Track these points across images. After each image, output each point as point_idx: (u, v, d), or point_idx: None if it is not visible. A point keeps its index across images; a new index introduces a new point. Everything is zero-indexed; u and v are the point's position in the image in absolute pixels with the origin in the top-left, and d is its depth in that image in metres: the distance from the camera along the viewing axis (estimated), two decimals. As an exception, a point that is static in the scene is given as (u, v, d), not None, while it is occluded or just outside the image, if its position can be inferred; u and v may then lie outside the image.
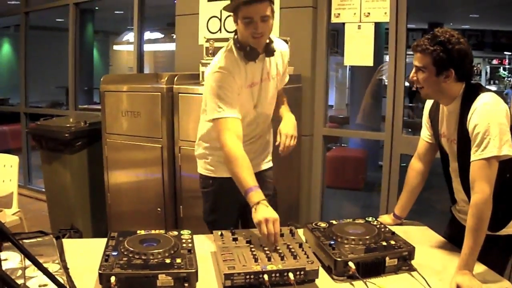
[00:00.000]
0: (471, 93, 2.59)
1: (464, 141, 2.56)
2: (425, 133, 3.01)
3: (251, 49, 2.90)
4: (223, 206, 3.13)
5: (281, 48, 3.16)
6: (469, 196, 2.57)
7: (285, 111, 3.23)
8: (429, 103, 2.97)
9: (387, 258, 2.38)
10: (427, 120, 2.98)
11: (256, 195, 2.59)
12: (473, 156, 2.46)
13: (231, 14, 2.88)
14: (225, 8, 2.86)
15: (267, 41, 2.95)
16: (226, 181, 2.91)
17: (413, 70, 2.66)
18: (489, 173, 2.43)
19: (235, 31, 2.97)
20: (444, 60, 2.51)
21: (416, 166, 3.11)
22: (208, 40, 4.51)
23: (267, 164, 3.35)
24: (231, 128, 2.81)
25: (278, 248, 2.36)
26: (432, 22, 15.40)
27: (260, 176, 3.08)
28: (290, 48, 4.63)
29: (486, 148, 2.42)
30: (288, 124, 3.08)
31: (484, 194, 2.41)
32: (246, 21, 2.78)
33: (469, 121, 2.50)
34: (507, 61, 18.77)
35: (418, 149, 3.10)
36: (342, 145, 10.58)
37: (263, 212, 2.50)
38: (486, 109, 2.46)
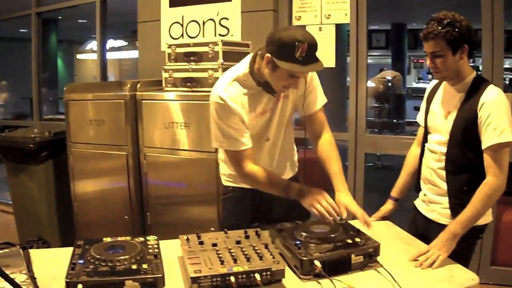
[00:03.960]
0: (483, 80, 2.80)
1: (464, 120, 2.73)
2: (423, 119, 3.11)
3: (270, 86, 2.79)
4: (239, 212, 3.15)
5: None
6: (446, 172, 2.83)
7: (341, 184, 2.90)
8: (429, 88, 3.11)
9: (352, 256, 2.39)
10: (425, 103, 3.09)
11: (293, 187, 2.75)
12: (490, 141, 2.62)
13: (265, 54, 2.64)
14: (277, 56, 2.57)
15: None
16: (242, 190, 3.08)
17: (428, 58, 2.79)
18: (504, 158, 2.64)
19: (253, 59, 2.82)
20: (457, 38, 2.66)
21: (415, 151, 3.21)
22: (170, 46, 4.51)
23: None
24: (240, 158, 2.85)
25: (244, 249, 2.37)
26: (395, 23, 15.55)
27: None
28: (252, 52, 4.66)
29: (502, 133, 2.61)
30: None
31: (498, 179, 2.62)
32: (290, 76, 2.64)
33: (482, 106, 2.66)
34: (471, 59, 18.99)
35: (417, 136, 3.23)
36: (309, 147, 10.62)
37: (311, 194, 2.67)
38: (501, 99, 2.68)
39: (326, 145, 3.05)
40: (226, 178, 3.21)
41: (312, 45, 2.54)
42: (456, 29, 2.64)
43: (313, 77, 2.98)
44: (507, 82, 13.78)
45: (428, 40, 2.70)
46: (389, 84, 11.77)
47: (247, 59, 2.87)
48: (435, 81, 3.05)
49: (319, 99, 3.05)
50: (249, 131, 2.84)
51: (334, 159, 2.99)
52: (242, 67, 2.86)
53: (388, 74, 12.00)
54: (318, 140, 3.09)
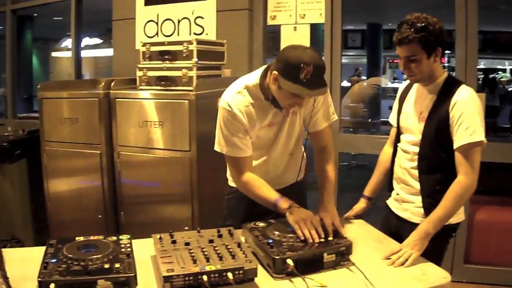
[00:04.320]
0: (454, 80, 2.83)
1: (436, 120, 2.75)
2: (395, 119, 3.13)
3: (276, 101, 2.79)
4: (239, 211, 3.18)
5: None
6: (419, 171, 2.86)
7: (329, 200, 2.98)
8: (401, 89, 3.13)
9: (325, 254, 2.41)
10: (397, 103, 3.10)
11: (284, 203, 2.74)
12: (462, 141, 2.64)
13: (273, 74, 2.65)
14: (282, 75, 2.58)
15: None
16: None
17: (402, 62, 2.78)
18: (475, 158, 2.66)
19: (265, 73, 2.81)
20: (432, 42, 2.67)
21: (387, 151, 3.23)
22: (144, 45, 4.49)
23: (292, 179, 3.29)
24: (239, 165, 2.90)
25: (217, 248, 2.37)
26: (371, 23, 15.59)
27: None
28: (227, 51, 4.67)
29: (474, 133, 2.62)
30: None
31: (469, 178, 2.64)
32: (295, 96, 2.62)
33: (454, 106, 2.68)
34: (446, 59, 19.18)
35: (390, 136, 3.25)
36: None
37: (298, 213, 2.64)
38: (473, 99, 2.69)
39: (325, 163, 3.08)
40: (232, 179, 3.22)
41: (319, 68, 2.53)
42: (431, 33, 2.65)
43: (321, 96, 2.95)
44: (481, 82, 13.89)
45: (402, 44, 2.70)
46: (380, 91, 11.87)
47: (260, 71, 2.87)
48: (407, 82, 3.07)
49: (327, 117, 3.05)
50: (251, 139, 2.89)
51: (329, 175, 3.05)
52: (253, 77, 2.87)
53: (380, 81, 12.07)
54: (319, 154, 3.12)
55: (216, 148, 2.91)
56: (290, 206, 2.70)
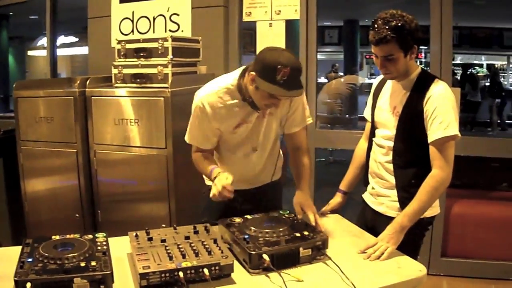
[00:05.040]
0: (428, 75, 2.83)
1: (410, 115, 2.77)
2: (369, 114, 3.13)
3: (253, 102, 2.82)
4: (214, 207, 3.13)
5: None
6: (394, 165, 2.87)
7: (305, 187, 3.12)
8: (375, 84, 3.15)
9: (301, 249, 2.42)
10: (372, 98, 3.11)
11: (215, 172, 2.81)
12: (436, 135, 2.65)
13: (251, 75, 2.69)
14: (259, 75, 2.63)
15: None
16: None
17: (379, 61, 2.76)
18: (449, 151, 2.67)
19: (242, 74, 2.84)
20: (409, 41, 2.66)
21: (363, 145, 3.24)
22: (119, 42, 4.47)
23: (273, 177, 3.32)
24: (196, 150, 3.04)
25: (193, 244, 2.38)
26: (348, 19, 15.63)
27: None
28: (203, 48, 4.67)
29: (448, 127, 2.63)
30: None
31: (444, 172, 2.65)
32: (271, 96, 2.66)
33: (428, 101, 2.69)
34: (423, 55, 19.31)
35: (365, 130, 3.26)
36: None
37: (220, 180, 2.68)
38: (447, 93, 2.70)
39: (301, 157, 3.14)
40: (207, 178, 3.24)
41: (295, 70, 2.57)
42: (408, 32, 2.63)
43: (297, 99, 2.97)
44: (458, 78, 13.96)
45: (380, 44, 2.67)
46: (357, 88, 11.90)
47: (238, 72, 2.89)
48: (381, 76, 3.06)
49: (301, 120, 3.09)
50: (225, 138, 2.99)
51: (304, 164, 3.12)
52: (231, 78, 2.89)
53: (356, 80, 12.10)
54: (294, 151, 3.16)
55: (186, 137, 3.05)
56: (217, 174, 2.76)
